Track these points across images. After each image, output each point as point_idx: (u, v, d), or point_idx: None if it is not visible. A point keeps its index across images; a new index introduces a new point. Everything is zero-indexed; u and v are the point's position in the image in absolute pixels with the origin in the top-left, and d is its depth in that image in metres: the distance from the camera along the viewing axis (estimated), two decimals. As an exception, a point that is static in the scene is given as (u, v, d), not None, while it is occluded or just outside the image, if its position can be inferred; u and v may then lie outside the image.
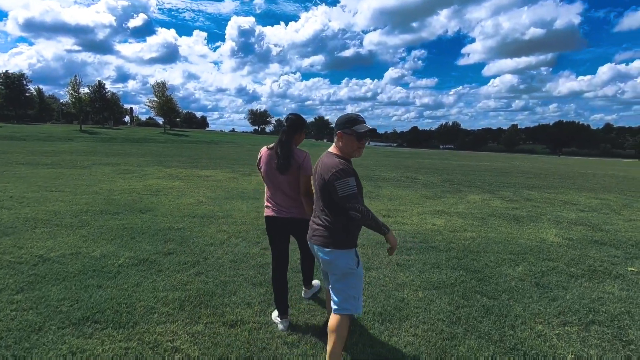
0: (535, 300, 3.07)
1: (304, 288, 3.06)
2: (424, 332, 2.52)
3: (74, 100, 50.83)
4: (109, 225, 4.87)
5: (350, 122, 1.99)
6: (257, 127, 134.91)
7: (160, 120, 70.53)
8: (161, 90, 61.05)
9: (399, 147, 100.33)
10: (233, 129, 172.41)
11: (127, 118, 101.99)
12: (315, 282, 3.16)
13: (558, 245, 4.72)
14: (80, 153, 18.70)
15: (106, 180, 9.02)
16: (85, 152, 19.39)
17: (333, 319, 2.01)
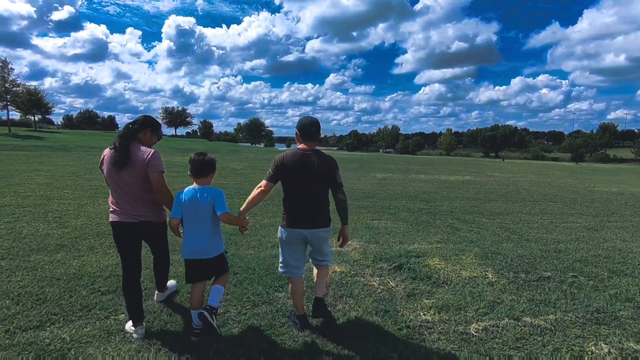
0: None
1: (157, 292, 2.88)
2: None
3: None
4: None
5: None
6: (189, 131, 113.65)
7: (17, 116, 51.59)
8: None
9: (339, 151, 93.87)
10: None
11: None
12: (170, 282, 2.99)
13: None
14: None
15: None
16: None
17: (325, 268, 2.76)
